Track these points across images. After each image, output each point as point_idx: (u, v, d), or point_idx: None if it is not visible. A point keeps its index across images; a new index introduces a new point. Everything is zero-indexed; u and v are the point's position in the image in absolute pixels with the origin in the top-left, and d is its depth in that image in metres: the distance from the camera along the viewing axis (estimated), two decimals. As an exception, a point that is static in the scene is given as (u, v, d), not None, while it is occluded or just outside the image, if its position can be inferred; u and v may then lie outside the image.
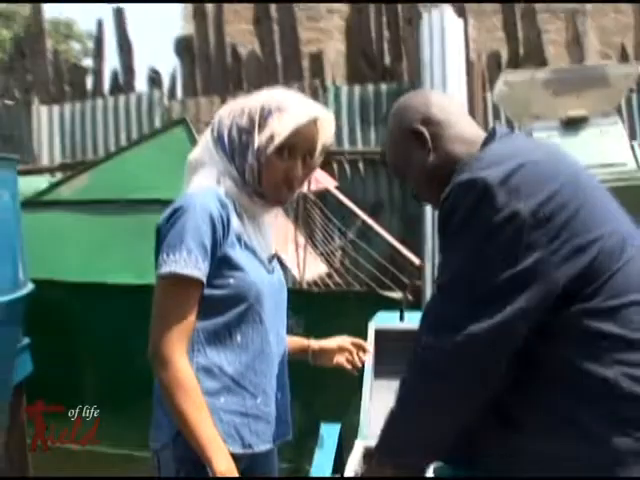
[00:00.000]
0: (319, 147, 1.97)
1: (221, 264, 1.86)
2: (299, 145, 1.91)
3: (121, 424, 3.88)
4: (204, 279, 1.83)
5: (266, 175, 1.91)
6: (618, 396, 1.51)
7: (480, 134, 1.75)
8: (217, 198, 1.87)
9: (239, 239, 1.90)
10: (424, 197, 1.86)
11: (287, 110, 1.89)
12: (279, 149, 1.88)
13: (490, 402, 1.59)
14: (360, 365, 2.26)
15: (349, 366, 2.25)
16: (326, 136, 1.96)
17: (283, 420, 2.03)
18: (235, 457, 1.84)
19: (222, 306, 1.90)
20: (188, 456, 1.83)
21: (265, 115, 1.88)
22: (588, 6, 10.65)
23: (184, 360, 1.82)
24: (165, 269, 1.81)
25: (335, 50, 12.40)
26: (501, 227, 1.50)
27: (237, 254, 1.89)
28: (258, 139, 1.88)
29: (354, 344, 2.25)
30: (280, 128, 1.86)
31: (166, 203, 3.75)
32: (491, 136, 1.70)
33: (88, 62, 18.00)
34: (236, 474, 1.80)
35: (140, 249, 4.21)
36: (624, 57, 8.29)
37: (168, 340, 1.82)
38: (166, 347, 1.82)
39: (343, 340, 2.26)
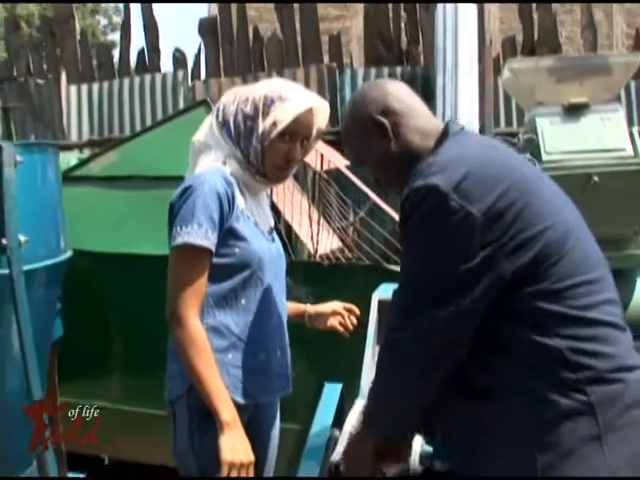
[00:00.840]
0: (314, 132, 2.18)
1: (227, 235, 2.05)
2: (298, 130, 2.11)
3: (146, 385, 4.02)
4: (213, 249, 2.02)
5: (269, 156, 2.10)
6: (563, 365, 1.66)
7: (436, 125, 1.87)
8: (223, 177, 2.06)
9: (242, 213, 2.09)
10: (384, 183, 1.98)
11: (288, 99, 2.08)
12: (281, 134, 2.08)
13: (455, 377, 1.73)
14: (351, 327, 2.44)
15: (341, 328, 2.44)
16: (320, 122, 2.18)
17: (284, 375, 2.22)
18: (240, 407, 2.05)
19: (228, 272, 2.08)
20: (199, 406, 2.02)
21: (268, 104, 2.08)
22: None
23: (197, 321, 2.01)
24: (179, 240, 1.99)
25: (360, 27, 12.47)
26: (457, 227, 1.65)
27: (241, 226, 2.08)
28: (262, 125, 2.07)
29: (346, 308, 2.45)
30: (282, 116, 2.06)
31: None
32: (444, 134, 1.81)
33: (113, 37, 18.06)
34: (239, 424, 1.99)
35: (163, 222, 4.41)
36: (637, 42, 8.35)
37: (183, 303, 1.99)
38: (181, 309, 1.99)
39: (336, 305, 2.45)
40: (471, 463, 1.78)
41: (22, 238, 2.49)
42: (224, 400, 1.99)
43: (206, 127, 2.17)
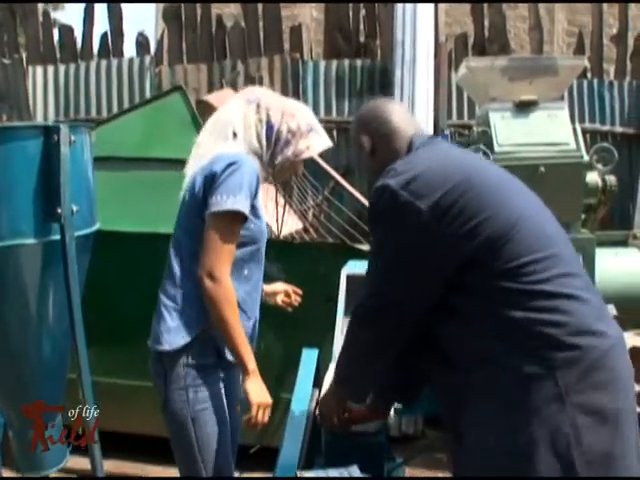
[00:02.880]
0: None
1: (250, 211, 2.33)
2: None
3: (126, 358, 4.32)
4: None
5: (291, 167, 2.49)
6: (524, 334, 1.86)
7: (407, 141, 2.18)
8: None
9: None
10: (371, 180, 2.28)
11: (319, 134, 2.49)
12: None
13: (433, 352, 2.01)
14: (296, 304, 2.84)
15: (284, 305, 2.83)
16: None
17: (256, 339, 2.54)
18: (229, 364, 2.36)
19: (241, 244, 2.35)
20: (194, 362, 2.30)
21: (309, 129, 2.45)
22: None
23: (230, 280, 2.28)
24: (226, 206, 2.24)
25: (310, 16, 12.66)
26: (408, 220, 1.94)
27: (258, 205, 2.39)
28: (299, 144, 2.44)
29: (292, 290, 2.84)
30: (315, 145, 2.47)
31: (163, 161, 4.36)
32: (409, 149, 2.15)
33: (55, 15, 17.66)
34: (258, 372, 2.30)
35: (140, 201, 4.57)
36: (580, 43, 8.73)
37: (220, 263, 2.26)
38: (219, 268, 2.25)
39: (283, 285, 2.83)
40: (459, 431, 2.01)
41: (74, 208, 2.74)
42: (249, 351, 2.31)
43: (241, 114, 2.43)
